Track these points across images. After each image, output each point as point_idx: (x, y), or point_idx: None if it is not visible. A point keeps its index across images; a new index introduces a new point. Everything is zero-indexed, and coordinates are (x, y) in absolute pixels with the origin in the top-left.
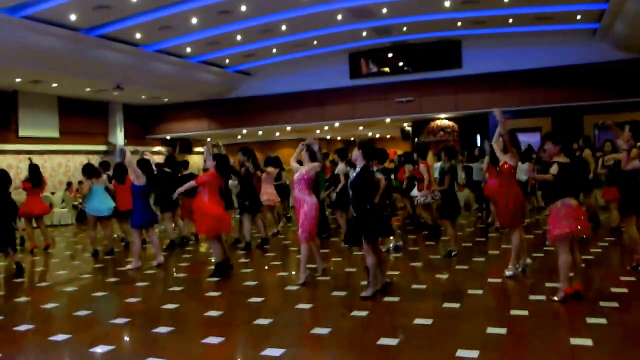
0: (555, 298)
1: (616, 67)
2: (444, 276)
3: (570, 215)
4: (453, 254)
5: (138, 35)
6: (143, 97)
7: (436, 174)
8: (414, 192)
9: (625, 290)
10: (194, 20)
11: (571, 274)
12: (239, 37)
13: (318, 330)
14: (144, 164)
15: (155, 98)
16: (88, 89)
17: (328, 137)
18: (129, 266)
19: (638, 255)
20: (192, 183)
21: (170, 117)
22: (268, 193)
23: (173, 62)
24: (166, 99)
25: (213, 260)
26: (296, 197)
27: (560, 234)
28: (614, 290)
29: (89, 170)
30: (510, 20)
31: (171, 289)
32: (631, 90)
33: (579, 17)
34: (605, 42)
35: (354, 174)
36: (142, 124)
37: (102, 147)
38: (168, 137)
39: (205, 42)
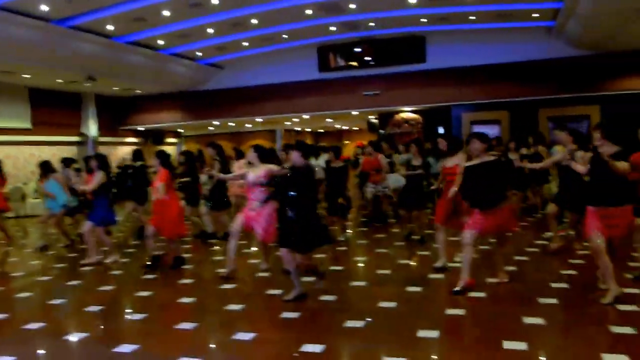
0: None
1: (569, 63)
2: (407, 262)
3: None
4: (416, 237)
5: (110, 27)
6: (115, 88)
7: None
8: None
9: (574, 272)
10: (166, 13)
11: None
12: (210, 30)
13: (287, 315)
14: (100, 160)
15: (127, 89)
16: (60, 80)
17: (298, 128)
18: (107, 260)
19: None
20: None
21: (143, 109)
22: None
23: (145, 54)
24: (139, 91)
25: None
26: (253, 199)
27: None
28: (563, 272)
29: (45, 168)
30: (472, 17)
31: (145, 277)
32: (583, 86)
33: (535, 15)
34: (560, 39)
35: (292, 174)
36: (115, 115)
37: (75, 139)
38: (141, 129)
39: (177, 35)
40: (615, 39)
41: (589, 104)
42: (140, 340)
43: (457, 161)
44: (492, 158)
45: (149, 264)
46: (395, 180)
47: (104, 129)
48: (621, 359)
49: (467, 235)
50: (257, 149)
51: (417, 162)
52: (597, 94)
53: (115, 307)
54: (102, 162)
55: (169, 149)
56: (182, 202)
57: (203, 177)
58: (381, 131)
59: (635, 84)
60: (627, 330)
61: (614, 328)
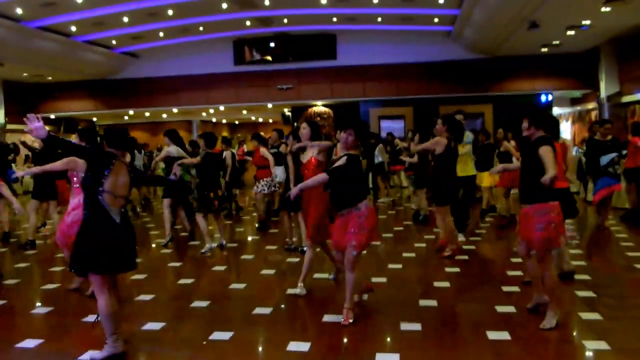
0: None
1: (466, 65)
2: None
3: (374, 222)
4: (292, 247)
5: (19, 11)
6: (25, 74)
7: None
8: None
9: (466, 257)
10: None
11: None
12: (125, 19)
13: (197, 304)
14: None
15: (38, 76)
16: None
17: (214, 119)
18: None
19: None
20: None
21: (55, 96)
22: None
23: (57, 40)
24: (50, 78)
25: None
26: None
27: (366, 245)
28: (458, 257)
29: None
30: (379, 19)
31: (52, 269)
32: (478, 86)
33: (436, 20)
34: (457, 43)
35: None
36: (25, 102)
37: None
38: (52, 117)
39: (91, 22)
40: (506, 45)
41: (483, 103)
42: (45, 335)
43: (311, 154)
44: (352, 153)
45: None
46: (279, 175)
47: (12, 116)
48: (503, 334)
49: (349, 257)
50: (81, 131)
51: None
52: (490, 94)
53: (19, 301)
54: None
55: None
56: None
57: None
58: (295, 124)
59: (523, 85)
60: (511, 309)
61: (499, 307)
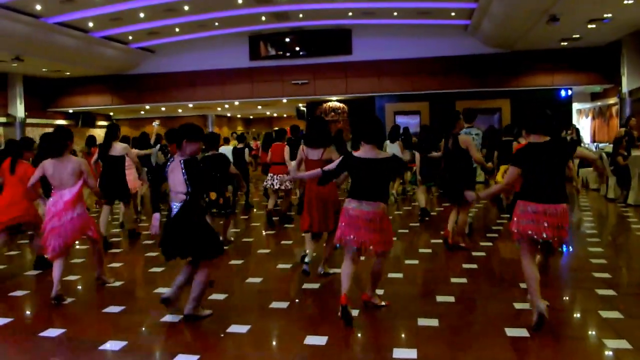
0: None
1: (483, 59)
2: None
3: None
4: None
5: (38, 7)
6: (44, 69)
7: None
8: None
9: (484, 254)
10: None
11: None
12: (142, 15)
13: (214, 297)
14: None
15: (57, 71)
16: None
17: (229, 114)
18: None
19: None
20: None
21: (73, 91)
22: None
23: (75, 36)
24: (68, 73)
25: None
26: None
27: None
28: (474, 254)
29: None
30: (395, 13)
31: (72, 261)
32: (495, 81)
33: (453, 13)
34: (475, 37)
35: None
36: (44, 96)
37: (1, 119)
38: (70, 111)
39: (108, 18)
40: (524, 38)
41: (500, 98)
42: (67, 324)
43: (319, 154)
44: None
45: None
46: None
47: (31, 110)
48: (522, 331)
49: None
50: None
51: None
52: (508, 89)
53: (41, 292)
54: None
55: (98, 132)
56: None
57: None
58: (309, 118)
59: (541, 80)
60: (527, 306)
61: (517, 304)
